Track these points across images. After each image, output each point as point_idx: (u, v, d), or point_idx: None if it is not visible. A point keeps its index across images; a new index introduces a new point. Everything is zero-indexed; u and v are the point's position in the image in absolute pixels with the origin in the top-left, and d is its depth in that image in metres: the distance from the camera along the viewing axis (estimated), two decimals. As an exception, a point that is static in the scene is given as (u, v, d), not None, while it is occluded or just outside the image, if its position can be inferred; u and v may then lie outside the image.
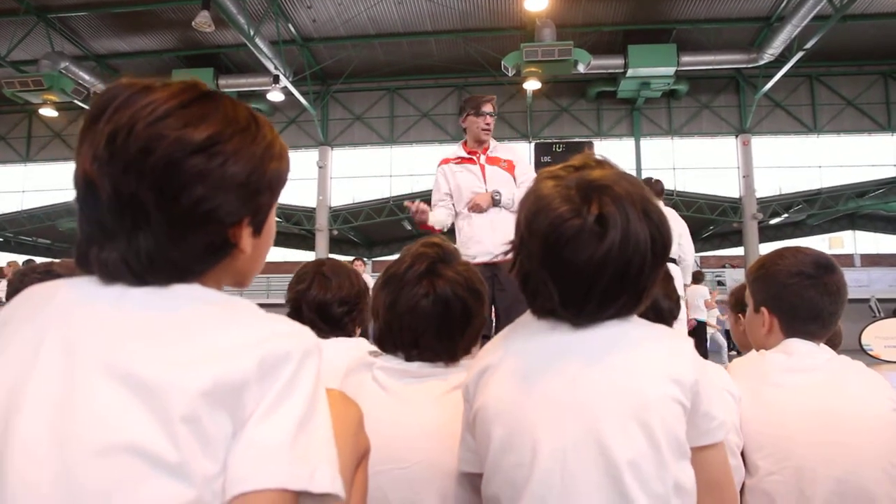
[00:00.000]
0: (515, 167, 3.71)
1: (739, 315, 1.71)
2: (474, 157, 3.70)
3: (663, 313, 1.49)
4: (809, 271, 1.35)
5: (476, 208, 3.47)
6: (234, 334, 0.67)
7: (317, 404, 0.69)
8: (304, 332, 0.72)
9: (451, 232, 3.77)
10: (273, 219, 0.81)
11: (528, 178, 3.67)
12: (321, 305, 1.64)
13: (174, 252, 0.69)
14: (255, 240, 0.77)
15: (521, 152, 4.01)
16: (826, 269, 1.36)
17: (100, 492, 0.58)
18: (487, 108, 3.67)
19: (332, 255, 14.47)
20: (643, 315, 0.97)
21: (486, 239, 3.49)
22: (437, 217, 3.61)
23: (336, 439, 0.72)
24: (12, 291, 1.85)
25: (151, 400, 0.61)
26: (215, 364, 0.64)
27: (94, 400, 0.61)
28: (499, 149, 3.76)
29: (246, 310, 0.71)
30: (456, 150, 3.82)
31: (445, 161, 3.79)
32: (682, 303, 2.90)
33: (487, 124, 3.65)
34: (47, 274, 1.71)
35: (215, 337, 0.66)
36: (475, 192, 3.58)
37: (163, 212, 0.67)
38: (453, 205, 3.71)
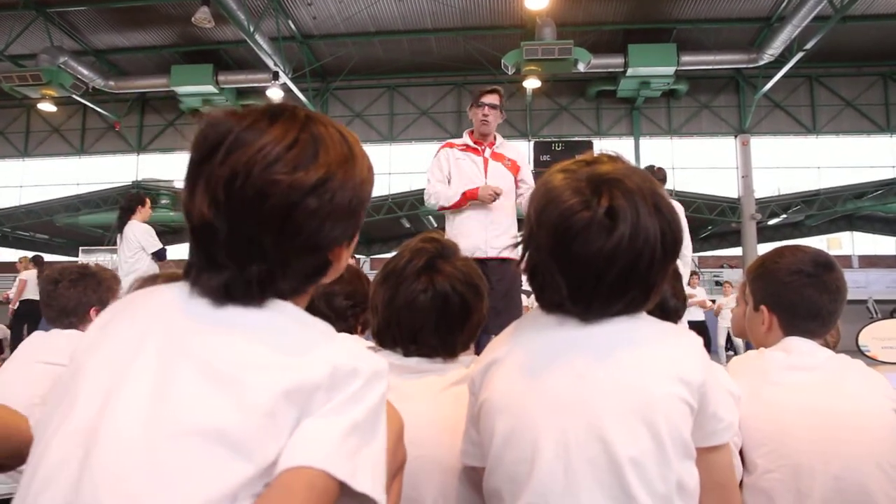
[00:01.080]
0: (520, 169, 3.69)
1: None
2: (479, 149, 3.67)
3: (670, 312, 1.49)
4: (809, 269, 1.35)
5: (490, 196, 3.45)
6: (315, 347, 0.73)
7: (377, 421, 0.74)
8: (375, 357, 0.77)
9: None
10: None
11: (528, 186, 3.68)
12: (327, 295, 1.68)
13: (283, 281, 0.75)
14: (347, 251, 0.82)
15: (525, 155, 3.98)
16: (825, 268, 1.36)
17: (178, 463, 0.64)
18: (486, 98, 3.60)
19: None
20: (650, 313, 0.96)
21: (477, 235, 3.46)
22: (450, 191, 3.57)
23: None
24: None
25: (239, 395, 0.67)
26: (296, 370, 0.70)
27: (185, 390, 0.67)
28: (505, 146, 3.74)
29: (326, 329, 0.77)
30: (464, 137, 3.77)
31: (450, 145, 3.75)
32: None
33: (485, 115, 3.59)
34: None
35: (298, 347, 0.72)
36: (475, 182, 3.55)
37: (277, 247, 0.73)
38: None
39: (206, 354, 0.70)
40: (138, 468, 0.64)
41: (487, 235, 3.47)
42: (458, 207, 3.56)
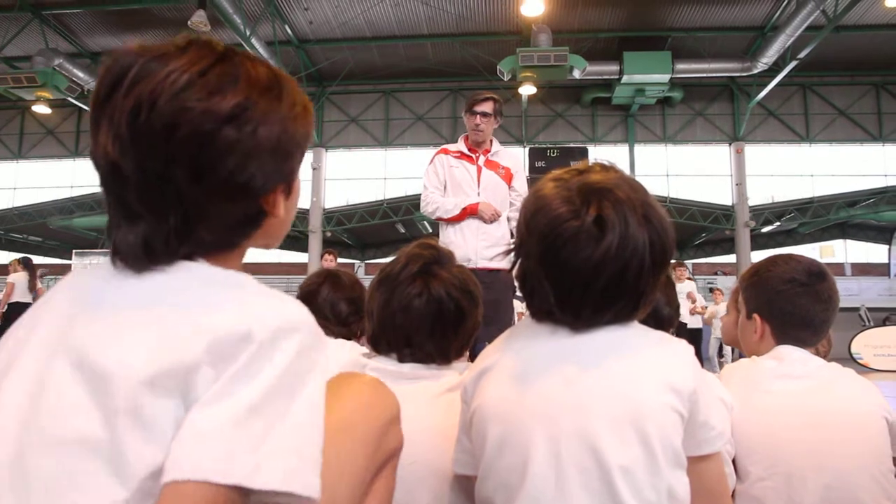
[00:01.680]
0: (513, 178, 3.63)
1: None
2: (473, 157, 3.60)
3: (663, 320, 1.49)
4: (802, 279, 1.36)
5: (492, 215, 3.44)
6: (202, 312, 0.62)
7: (291, 391, 0.61)
8: (285, 309, 0.65)
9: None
10: (299, 176, 0.78)
11: (517, 194, 3.63)
12: (332, 301, 1.75)
13: (205, 230, 0.66)
14: (287, 202, 0.74)
15: (521, 162, 3.89)
16: (818, 277, 1.37)
17: (45, 480, 0.56)
18: (479, 107, 3.51)
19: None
20: (644, 322, 0.96)
21: (467, 245, 3.43)
22: (448, 203, 3.55)
23: (353, 432, 0.67)
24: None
25: (100, 390, 0.58)
26: (165, 349, 0.59)
27: (56, 389, 0.59)
28: (501, 153, 3.66)
29: (235, 289, 0.66)
30: (458, 143, 3.69)
31: (445, 151, 3.67)
32: None
33: (477, 124, 3.51)
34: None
35: (179, 317, 0.62)
36: (467, 192, 3.52)
37: (193, 187, 0.64)
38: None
39: (83, 343, 0.61)
40: (5, 478, 0.57)
41: (478, 246, 3.43)
42: (456, 221, 3.53)
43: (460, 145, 3.66)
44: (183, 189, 0.63)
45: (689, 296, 8.46)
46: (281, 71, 0.72)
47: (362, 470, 0.77)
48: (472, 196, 3.52)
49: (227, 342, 0.60)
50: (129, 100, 0.62)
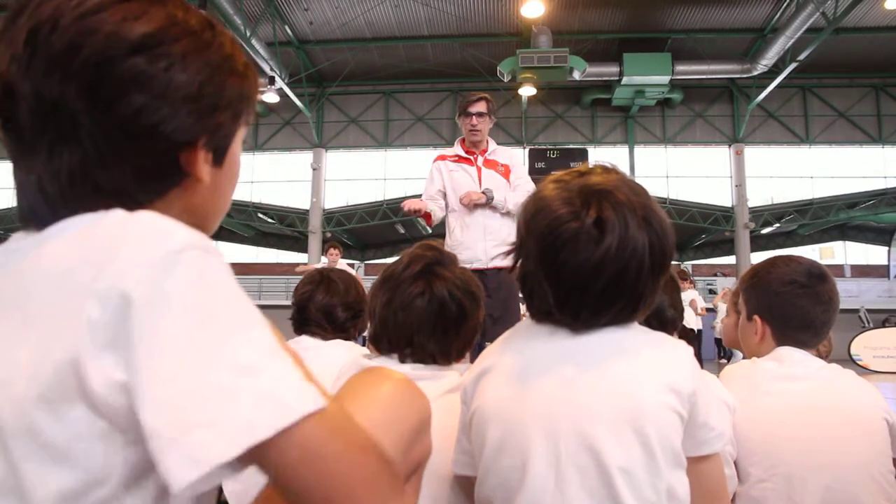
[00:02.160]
0: (511, 171, 3.65)
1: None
2: (472, 158, 3.62)
3: (667, 322, 1.49)
4: (802, 280, 1.36)
5: (467, 199, 3.43)
6: (62, 279, 0.51)
7: (204, 332, 0.49)
8: (156, 237, 0.52)
9: (442, 236, 3.77)
10: (238, 149, 0.70)
11: (523, 182, 3.65)
12: (327, 308, 1.70)
13: (102, 172, 0.58)
14: (215, 170, 0.66)
15: (519, 157, 3.92)
16: (818, 279, 1.37)
17: None
18: (473, 107, 3.53)
19: (324, 257, 14.45)
20: (648, 323, 0.97)
21: (477, 246, 3.45)
22: (432, 207, 3.55)
23: (383, 437, 0.59)
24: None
25: None
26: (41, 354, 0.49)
27: None
28: (498, 152, 3.68)
29: (90, 240, 0.54)
30: (454, 147, 3.71)
31: (442, 158, 3.70)
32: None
33: (473, 125, 3.53)
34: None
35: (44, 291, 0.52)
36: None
37: (94, 121, 0.57)
38: (446, 203, 3.65)
39: None
40: None
41: (486, 246, 3.45)
42: (427, 220, 3.56)
43: (457, 149, 3.68)
44: (80, 120, 0.57)
45: (692, 304, 8.53)
46: (221, 26, 0.67)
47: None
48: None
49: (107, 315, 0.48)
50: (31, 20, 0.57)
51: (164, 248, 0.51)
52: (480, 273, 3.31)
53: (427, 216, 3.52)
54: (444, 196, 3.64)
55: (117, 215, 0.55)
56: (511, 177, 3.65)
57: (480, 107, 3.54)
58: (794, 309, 1.35)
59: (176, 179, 0.63)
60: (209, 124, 0.63)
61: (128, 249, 0.51)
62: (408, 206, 3.42)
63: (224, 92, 0.64)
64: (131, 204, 0.58)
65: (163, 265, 0.50)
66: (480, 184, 3.57)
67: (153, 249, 0.50)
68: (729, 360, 10.43)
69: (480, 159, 3.61)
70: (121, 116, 0.57)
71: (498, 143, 3.78)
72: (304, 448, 0.49)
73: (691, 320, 8.43)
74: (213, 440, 0.46)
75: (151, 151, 0.60)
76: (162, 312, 0.48)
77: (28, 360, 0.49)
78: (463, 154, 3.64)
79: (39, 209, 0.59)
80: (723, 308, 9.21)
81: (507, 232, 3.52)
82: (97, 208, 0.57)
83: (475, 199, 3.44)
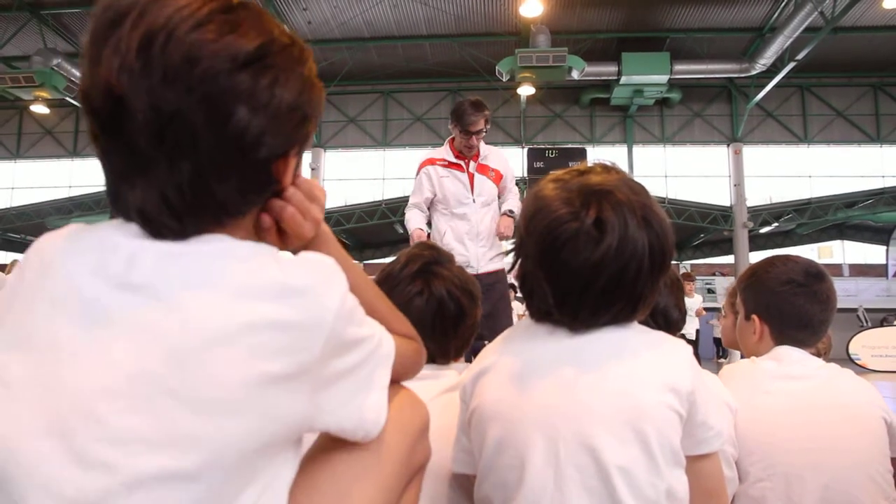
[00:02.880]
0: (503, 178, 3.56)
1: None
2: (462, 164, 3.48)
3: (672, 324, 1.49)
4: (800, 279, 1.36)
5: (505, 234, 3.33)
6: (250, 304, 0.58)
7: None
8: (316, 271, 0.64)
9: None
10: None
11: (511, 186, 3.59)
12: None
13: (219, 186, 0.60)
14: (291, 170, 0.69)
15: (510, 164, 3.74)
16: (816, 278, 1.37)
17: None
18: (475, 127, 3.32)
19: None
20: (655, 325, 0.97)
21: (468, 252, 3.40)
22: (418, 225, 3.49)
23: (386, 444, 0.68)
24: None
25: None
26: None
27: None
28: (490, 157, 3.54)
29: (271, 264, 0.61)
30: (443, 150, 3.53)
31: (431, 161, 3.53)
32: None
33: (471, 144, 3.37)
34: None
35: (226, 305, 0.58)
36: (462, 202, 3.45)
37: (212, 133, 0.58)
38: (432, 206, 3.56)
39: None
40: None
41: (477, 251, 3.41)
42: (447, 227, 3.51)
43: (446, 153, 3.51)
44: (199, 132, 0.57)
45: (698, 312, 8.49)
46: (300, 38, 0.69)
47: (395, 482, 0.76)
48: (469, 204, 3.45)
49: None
50: (139, 30, 0.56)
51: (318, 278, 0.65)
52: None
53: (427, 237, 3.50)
54: (434, 201, 3.54)
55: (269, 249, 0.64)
56: (503, 182, 3.57)
57: (481, 125, 3.36)
58: (792, 308, 1.36)
59: (269, 189, 0.66)
60: (302, 134, 0.66)
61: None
62: (416, 237, 3.38)
63: (312, 102, 0.67)
64: (236, 216, 0.63)
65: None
66: (473, 190, 3.47)
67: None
68: (726, 358, 10.44)
69: (473, 165, 3.49)
70: (234, 129, 0.59)
71: (497, 143, 3.74)
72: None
73: (692, 329, 8.36)
74: None
75: (255, 163, 0.62)
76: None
77: None
78: (453, 159, 3.49)
79: (167, 221, 0.60)
80: None
81: (494, 237, 3.48)
82: (211, 221, 0.61)
83: (508, 233, 3.33)
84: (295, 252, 0.68)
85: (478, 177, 3.48)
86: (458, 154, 3.49)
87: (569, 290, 0.90)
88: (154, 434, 0.54)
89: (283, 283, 0.60)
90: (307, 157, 17.26)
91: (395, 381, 0.81)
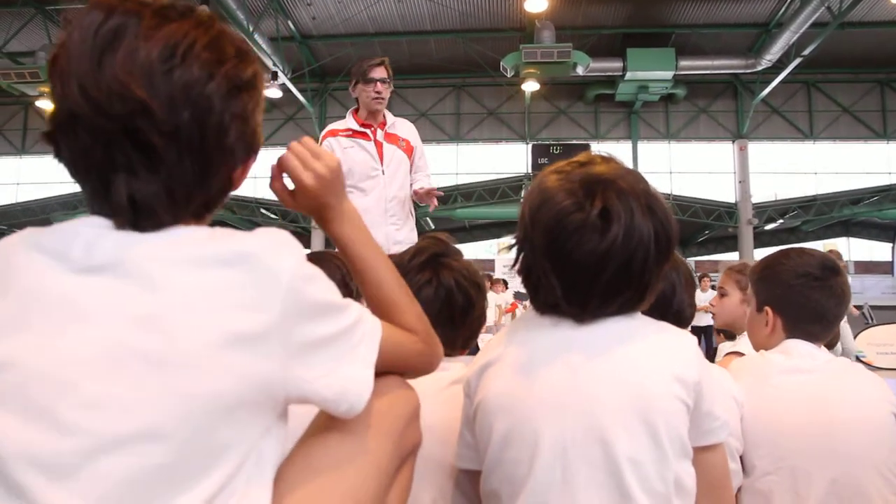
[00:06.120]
0: (415, 150, 3.23)
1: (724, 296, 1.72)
2: (368, 133, 3.11)
3: (683, 320, 1.48)
4: (816, 273, 1.36)
5: (431, 198, 3.07)
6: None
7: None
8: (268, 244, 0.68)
9: (445, 229, 3.68)
10: None
11: (424, 166, 3.28)
12: None
13: (204, 190, 0.69)
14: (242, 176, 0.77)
15: (418, 135, 3.36)
16: (832, 271, 1.36)
17: None
18: (376, 72, 3.03)
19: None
20: (666, 320, 0.97)
21: (377, 230, 2.92)
22: None
23: (380, 426, 0.73)
24: None
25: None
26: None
27: None
28: (397, 125, 3.21)
29: (227, 237, 0.67)
30: (346, 120, 3.17)
31: (333, 133, 3.14)
32: None
33: (378, 92, 3.02)
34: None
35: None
36: (370, 175, 3.08)
37: (216, 141, 0.67)
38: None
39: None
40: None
41: (388, 229, 3.07)
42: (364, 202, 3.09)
43: (350, 122, 3.16)
44: (207, 137, 0.66)
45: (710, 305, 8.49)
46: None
47: (388, 462, 0.79)
48: (377, 177, 3.10)
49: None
50: (157, 41, 0.63)
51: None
52: None
53: None
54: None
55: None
56: (414, 155, 3.24)
57: (383, 72, 3.06)
58: (808, 301, 1.35)
59: (226, 192, 0.74)
60: (257, 143, 0.75)
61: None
62: None
63: (260, 115, 0.75)
64: (212, 211, 0.72)
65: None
66: (382, 160, 3.11)
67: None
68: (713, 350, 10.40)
69: (380, 133, 3.13)
70: (232, 139, 0.68)
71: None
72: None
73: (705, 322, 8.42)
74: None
75: (227, 170, 0.71)
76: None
77: None
78: (357, 128, 3.12)
79: (161, 213, 0.65)
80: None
81: (405, 213, 3.20)
82: (191, 217, 0.69)
83: (436, 194, 3.08)
84: (305, 218, 0.77)
85: (387, 146, 3.13)
86: (363, 122, 3.14)
87: (577, 282, 0.90)
88: (127, 396, 0.58)
89: (237, 250, 0.66)
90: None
91: (396, 375, 0.86)
